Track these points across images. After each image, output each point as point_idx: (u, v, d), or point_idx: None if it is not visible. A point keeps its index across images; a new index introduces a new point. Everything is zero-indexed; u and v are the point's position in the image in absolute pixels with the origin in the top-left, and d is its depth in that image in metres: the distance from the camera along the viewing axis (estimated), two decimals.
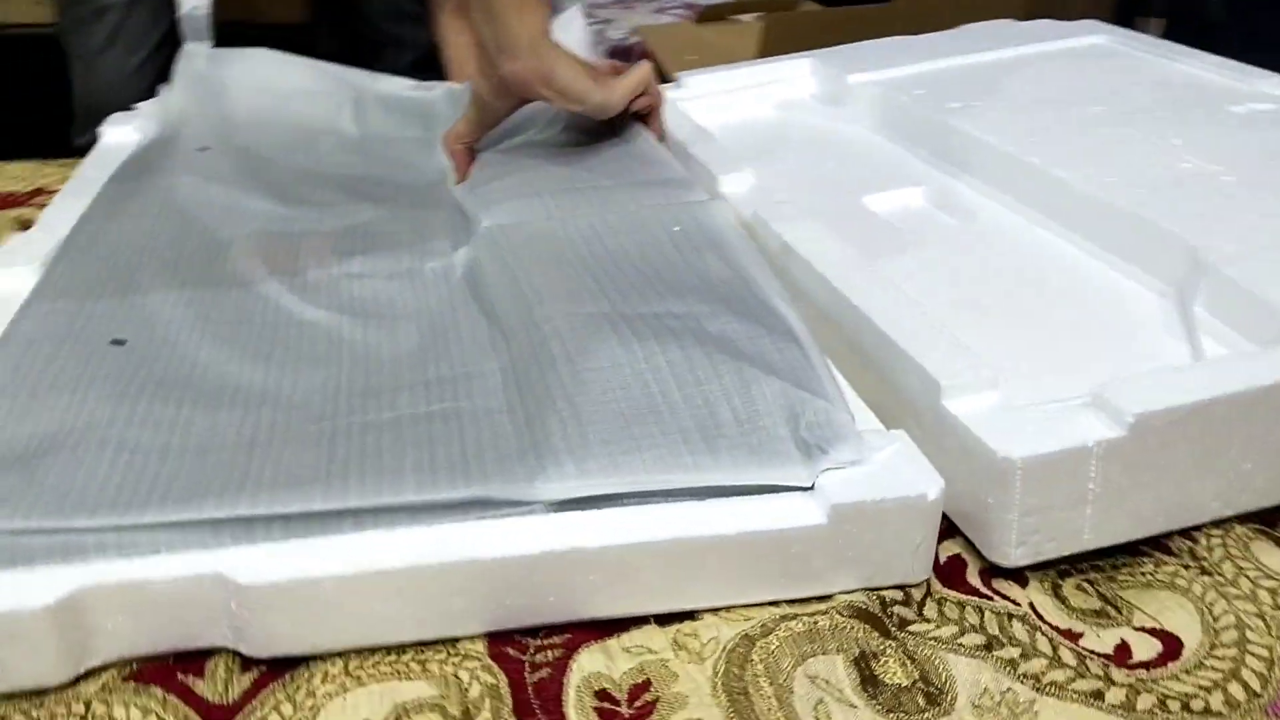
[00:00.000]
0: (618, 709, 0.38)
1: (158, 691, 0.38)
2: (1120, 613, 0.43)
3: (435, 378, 0.48)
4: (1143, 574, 0.45)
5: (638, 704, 0.38)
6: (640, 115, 0.79)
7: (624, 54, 1.48)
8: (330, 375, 0.48)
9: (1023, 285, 0.61)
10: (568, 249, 0.58)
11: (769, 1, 1.40)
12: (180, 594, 0.37)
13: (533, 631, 0.41)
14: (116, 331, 0.50)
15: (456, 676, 0.39)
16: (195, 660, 0.40)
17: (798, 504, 0.42)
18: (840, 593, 0.43)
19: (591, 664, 0.40)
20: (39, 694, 0.38)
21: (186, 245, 0.59)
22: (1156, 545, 0.46)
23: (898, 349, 0.50)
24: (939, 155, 0.80)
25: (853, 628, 0.41)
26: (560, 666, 0.39)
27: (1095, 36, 0.94)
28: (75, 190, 0.70)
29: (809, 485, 0.42)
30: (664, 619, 0.41)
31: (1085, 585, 0.44)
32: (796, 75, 1.00)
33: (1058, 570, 0.45)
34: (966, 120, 0.79)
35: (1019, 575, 0.45)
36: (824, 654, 0.40)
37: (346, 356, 0.50)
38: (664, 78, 1.25)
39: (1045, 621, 0.42)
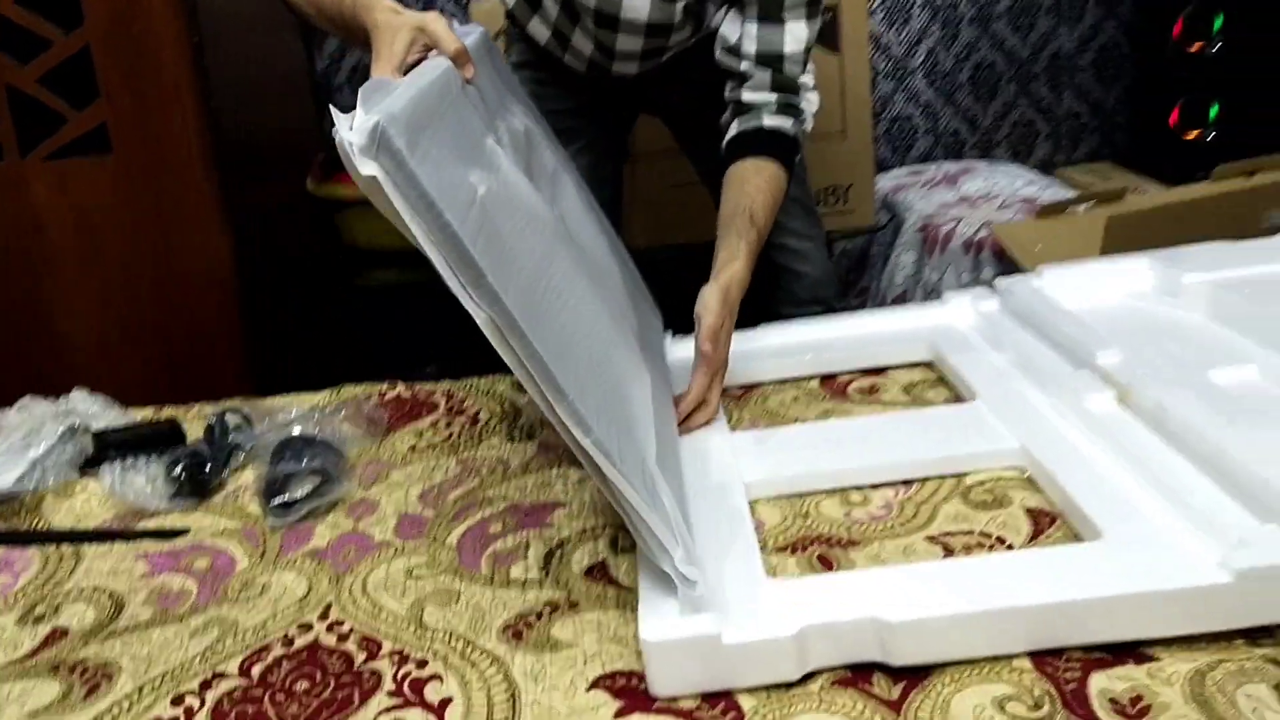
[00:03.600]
0: (1125, 711, 0.64)
1: (850, 691, 0.68)
2: None
3: None
4: None
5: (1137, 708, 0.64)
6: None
7: (977, 247, 1.75)
8: None
9: None
10: None
11: (1099, 193, 1.63)
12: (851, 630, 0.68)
13: (1058, 653, 0.68)
14: None
15: (1021, 682, 0.66)
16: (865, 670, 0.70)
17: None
18: None
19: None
20: (786, 687, 0.68)
21: None
22: None
23: None
24: (1266, 342, 0.99)
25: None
26: (1082, 681, 0.66)
27: None
28: None
29: None
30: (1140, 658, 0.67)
31: None
32: (1137, 270, 1.22)
33: None
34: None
35: None
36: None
37: None
38: (1019, 268, 1.52)
39: None
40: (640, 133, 1.67)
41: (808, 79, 1.29)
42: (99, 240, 1.75)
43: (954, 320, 1.26)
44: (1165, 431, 0.87)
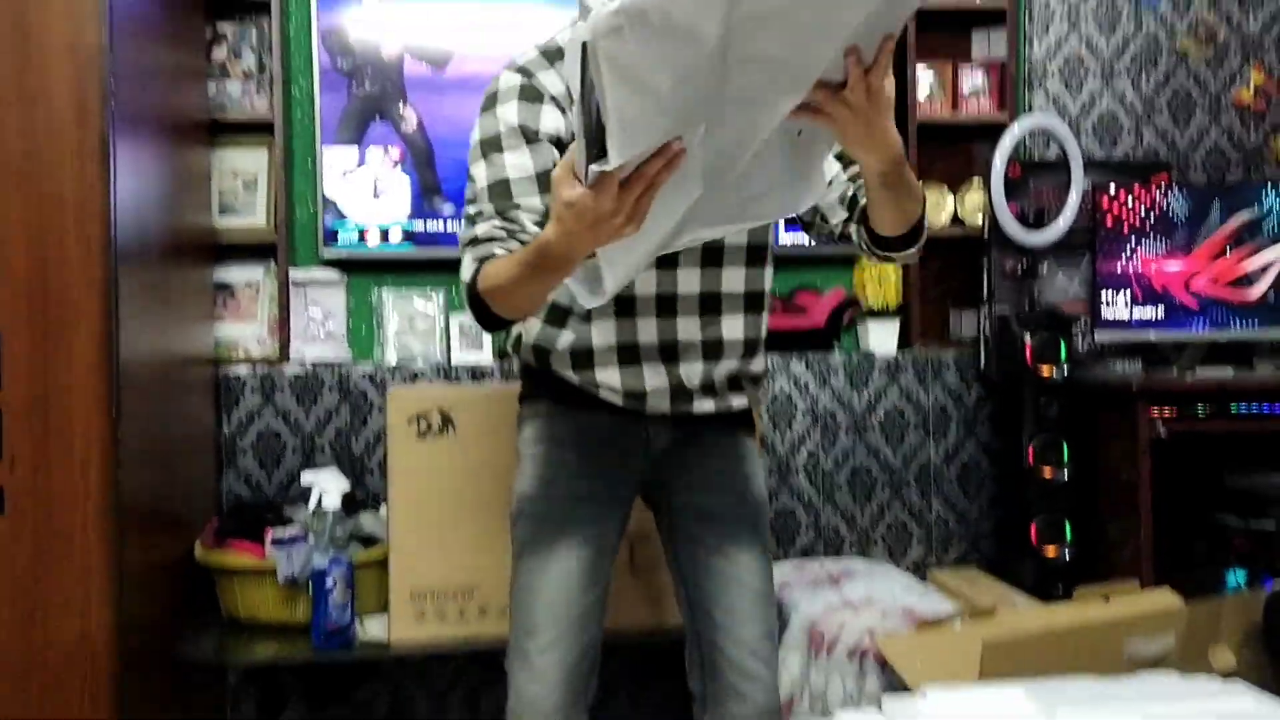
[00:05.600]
0: None
1: None
2: None
3: None
4: None
5: None
6: None
7: (862, 655, 1.79)
8: None
9: None
10: None
11: (974, 611, 1.72)
12: None
13: None
14: None
15: None
16: None
17: None
18: None
19: None
20: None
21: None
22: None
23: None
24: None
25: None
26: None
27: (1242, 701, 1.17)
28: None
29: None
30: None
31: None
32: (1016, 699, 1.25)
33: None
34: None
35: None
36: None
37: None
38: (902, 680, 1.54)
39: None
40: None
41: None
42: None
43: None
44: None
